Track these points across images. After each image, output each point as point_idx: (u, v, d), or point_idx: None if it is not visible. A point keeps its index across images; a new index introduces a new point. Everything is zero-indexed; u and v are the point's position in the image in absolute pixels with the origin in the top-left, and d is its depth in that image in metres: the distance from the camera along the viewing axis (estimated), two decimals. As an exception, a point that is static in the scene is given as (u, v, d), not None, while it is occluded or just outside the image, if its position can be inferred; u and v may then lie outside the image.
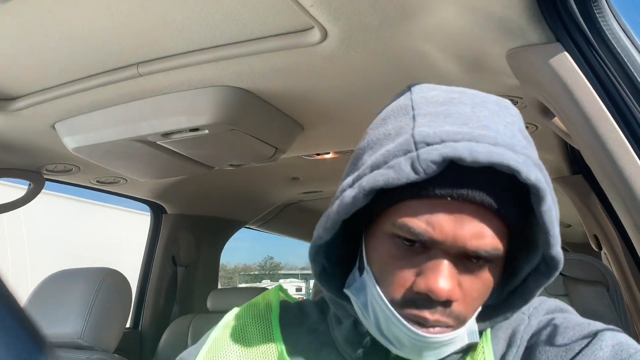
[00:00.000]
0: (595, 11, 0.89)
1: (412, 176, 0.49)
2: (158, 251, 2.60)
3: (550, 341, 0.56)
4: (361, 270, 0.59)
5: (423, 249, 0.52)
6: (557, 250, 0.52)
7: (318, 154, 2.07)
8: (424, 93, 0.58)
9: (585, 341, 0.54)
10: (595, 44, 0.90)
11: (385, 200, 0.54)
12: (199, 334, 2.34)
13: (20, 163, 1.85)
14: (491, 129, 0.52)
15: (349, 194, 0.53)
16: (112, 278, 1.65)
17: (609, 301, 1.34)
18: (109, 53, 1.20)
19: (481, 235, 0.51)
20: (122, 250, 5.68)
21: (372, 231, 0.57)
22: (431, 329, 0.52)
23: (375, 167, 0.53)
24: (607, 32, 0.89)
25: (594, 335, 0.54)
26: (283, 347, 0.62)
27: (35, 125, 1.54)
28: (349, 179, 0.56)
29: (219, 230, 2.92)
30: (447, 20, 1.00)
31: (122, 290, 1.69)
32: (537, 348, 0.57)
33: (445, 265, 0.51)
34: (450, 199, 0.50)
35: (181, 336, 2.39)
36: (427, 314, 0.51)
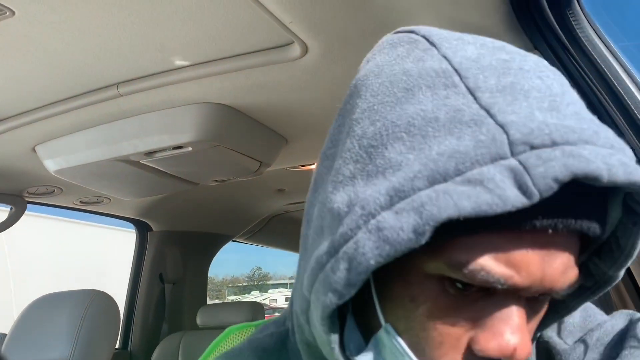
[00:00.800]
0: (570, 18, 0.91)
1: (520, 202, 0.31)
2: (145, 269, 2.58)
3: None
4: (368, 326, 0.41)
5: (481, 294, 0.36)
6: (622, 273, 0.40)
7: (303, 165, 2.07)
8: (458, 50, 0.38)
9: None
10: (571, 50, 0.91)
11: (437, 231, 0.33)
12: (189, 351, 2.33)
13: (0, 187, 1.82)
14: (584, 118, 0.34)
15: (398, 224, 0.32)
16: (99, 300, 1.62)
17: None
18: (88, 74, 1.19)
19: (567, 269, 0.35)
20: (109, 269, 5.61)
21: (399, 272, 0.37)
22: None
23: (437, 180, 0.32)
24: (582, 38, 0.91)
25: None
26: None
27: (15, 148, 1.52)
28: (373, 192, 0.34)
29: (206, 245, 2.91)
30: (425, 32, 1.01)
31: (109, 311, 1.67)
32: None
33: (516, 313, 0.35)
34: (551, 231, 0.33)
35: (172, 354, 2.37)
36: None
